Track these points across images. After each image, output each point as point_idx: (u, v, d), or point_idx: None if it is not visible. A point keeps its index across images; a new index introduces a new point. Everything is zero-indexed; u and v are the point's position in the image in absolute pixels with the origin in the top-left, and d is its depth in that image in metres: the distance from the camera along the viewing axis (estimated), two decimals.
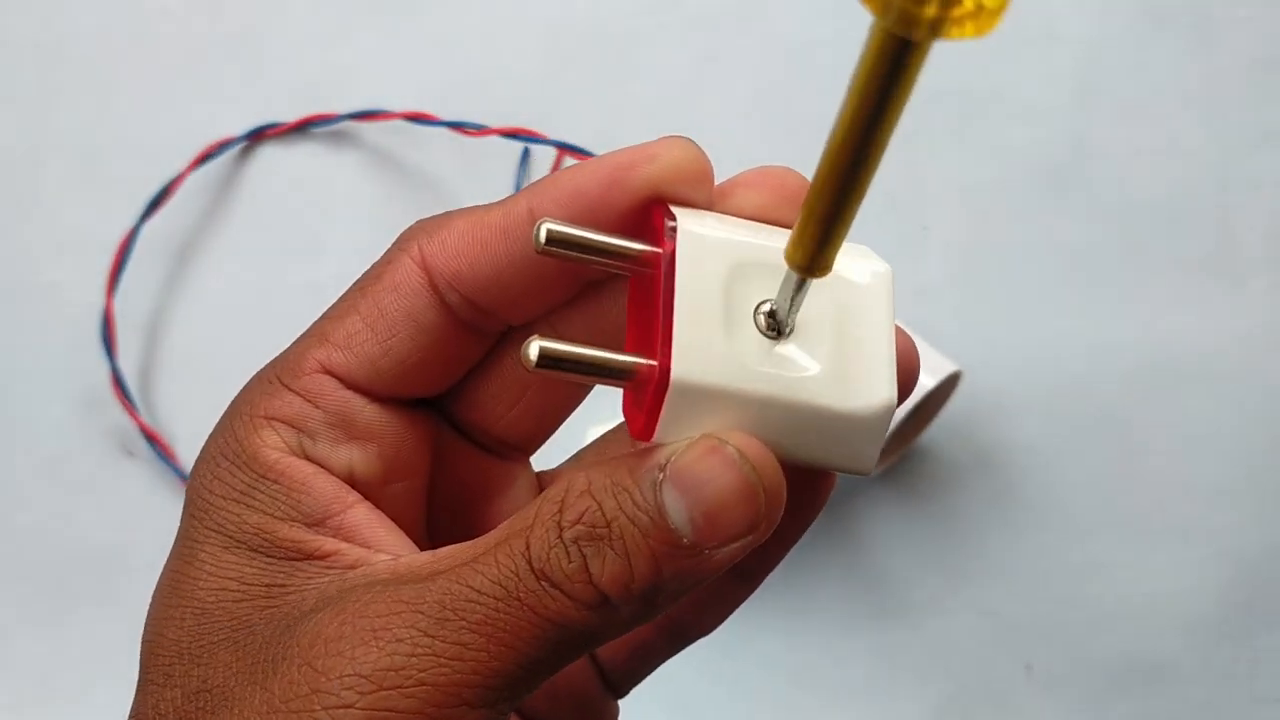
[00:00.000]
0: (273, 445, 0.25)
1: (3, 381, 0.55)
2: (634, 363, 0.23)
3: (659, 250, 0.24)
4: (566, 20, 0.58)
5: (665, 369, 0.22)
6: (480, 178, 0.56)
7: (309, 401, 0.25)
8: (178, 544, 0.25)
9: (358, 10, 0.58)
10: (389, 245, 0.26)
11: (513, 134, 0.54)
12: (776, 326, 0.23)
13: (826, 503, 0.27)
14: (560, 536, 0.22)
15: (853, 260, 0.24)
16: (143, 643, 0.25)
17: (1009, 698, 0.54)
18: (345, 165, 0.57)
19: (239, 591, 0.24)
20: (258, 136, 0.56)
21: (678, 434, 0.23)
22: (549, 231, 0.23)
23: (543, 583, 0.22)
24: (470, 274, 0.25)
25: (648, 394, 0.23)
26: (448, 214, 0.26)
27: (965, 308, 0.56)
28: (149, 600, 0.25)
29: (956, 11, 0.16)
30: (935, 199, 0.57)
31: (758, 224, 0.24)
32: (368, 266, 0.27)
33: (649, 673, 0.30)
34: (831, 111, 0.18)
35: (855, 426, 0.23)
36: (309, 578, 0.24)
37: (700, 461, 0.22)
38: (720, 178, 0.28)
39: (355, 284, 0.26)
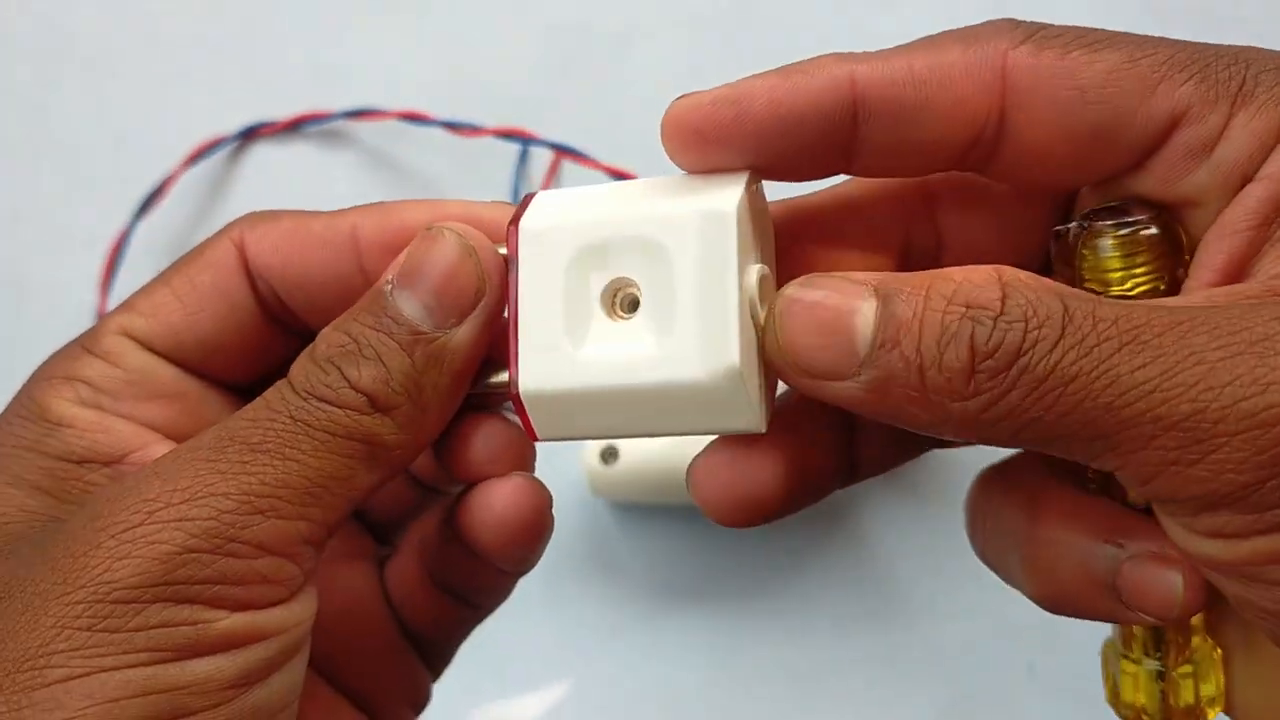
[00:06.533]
0: (68, 399, 0.26)
1: None
2: (504, 382, 0.25)
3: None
4: (563, 20, 0.58)
5: (515, 384, 0.24)
6: (475, 178, 0.55)
7: (109, 363, 0.26)
8: None
9: (352, 9, 0.58)
10: None
11: (508, 134, 0.54)
12: (623, 305, 0.24)
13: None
14: (314, 361, 0.24)
15: (704, 200, 0.24)
16: None
17: (1011, 698, 0.54)
18: (339, 165, 0.56)
19: (22, 520, 0.24)
20: (250, 135, 0.56)
21: (555, 431, 0.24)
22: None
23: (309, 400, 0.23)
24: (281, 270, 0.26)
25: (515, 405, 0.25)
26: (278, 211, 0.27)
27: None
28: None
29: None
30: None
31: (624, 186, 0.25)
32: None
33: (456, 646, 0.31)
34: None
35: (709, 393, 0.23)
36: None
37: (416, 252, 0.24)
38: None
39: (171, 264, 0.27)
